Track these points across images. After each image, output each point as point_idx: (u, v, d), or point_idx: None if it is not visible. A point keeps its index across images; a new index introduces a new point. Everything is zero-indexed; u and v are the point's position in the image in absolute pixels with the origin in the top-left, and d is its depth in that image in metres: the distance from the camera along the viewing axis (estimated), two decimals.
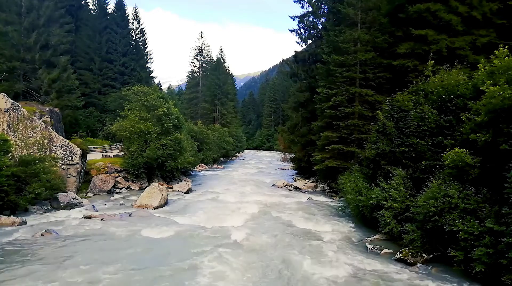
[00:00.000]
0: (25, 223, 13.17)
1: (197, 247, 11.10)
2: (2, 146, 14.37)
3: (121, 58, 46.59)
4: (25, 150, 17.33)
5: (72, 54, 39.88)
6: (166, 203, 18.12)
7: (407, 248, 10.44)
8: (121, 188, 22.05)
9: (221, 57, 69.73)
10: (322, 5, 28.92)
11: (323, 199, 21.13)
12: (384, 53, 19.77)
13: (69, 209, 16.05)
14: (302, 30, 30.07)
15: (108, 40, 46.47)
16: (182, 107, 62.31)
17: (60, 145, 19.06)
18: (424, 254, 10.15)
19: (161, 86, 71.67)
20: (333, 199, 20.92)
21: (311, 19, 29.71)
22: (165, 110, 24.20)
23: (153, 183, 19.88)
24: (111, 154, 27.56)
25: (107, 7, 50.10)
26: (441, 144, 11.41)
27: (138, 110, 24.52)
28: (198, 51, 70.19)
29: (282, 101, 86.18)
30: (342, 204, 17.87)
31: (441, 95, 12.25)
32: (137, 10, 51.62)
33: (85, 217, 14.43)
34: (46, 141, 18.51)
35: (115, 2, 49.08)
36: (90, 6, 49.88)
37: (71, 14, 41.72)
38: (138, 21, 51.34)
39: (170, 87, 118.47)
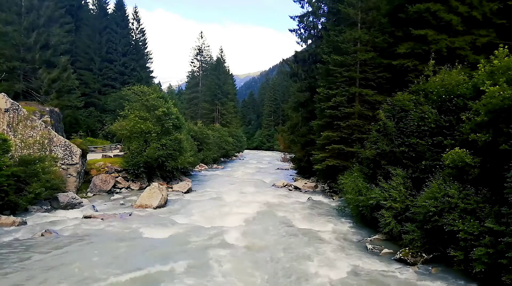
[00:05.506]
0: (25, 223, 13.19)
1: (197, 247, 11.13)
2: (2, 146, 14.37)
3: (121, 58, 46.53)
4: (25, 150, 17.32)
5: (72, 54, 39.80)
6: (166, 203, 18.12)
7: (407, 248, 10.45)
8: (121, 188, 22.05)
9: (221, 57, 69.81)
10: (322, 5, 28.86)
11: (323, 199, 21.13)
12: (384, 53, 19.75)
13: (69, 209, 16.07)
14: (302, 30, 30.03)
15: (108, 40, 46.38)
16: (182, 107, 62.27)
17: (60, 145, 19.07)
18: (424, 254, 10.16)
19: (161, 86, 71.54)
20: (333, 199, 20.91)
21: (311, 19, 29.67)
22: (165, 110, 24.22)
23: (153, 183, 19.87)
24: (111, 154, 27.56)
25: (107, 7, 49.97)
26: (441, 144, 11.41)
27: (138, 110, 24.53)
28: (198, 51, 70.24)
29: (282, 101, 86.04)
30: (342, 204, 17.86)
31: (441, 95, 12.24)
32: (137, 10, 51.55)
33: (85, 217, 14.44)
34: (46, 141, 18.52)
35: (115, 2, 49.02)
36: (90, 6, 49.78)
37: (71, 14, 41.65)
38: (138, 21, 51.29)
39: (170, 87, 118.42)
